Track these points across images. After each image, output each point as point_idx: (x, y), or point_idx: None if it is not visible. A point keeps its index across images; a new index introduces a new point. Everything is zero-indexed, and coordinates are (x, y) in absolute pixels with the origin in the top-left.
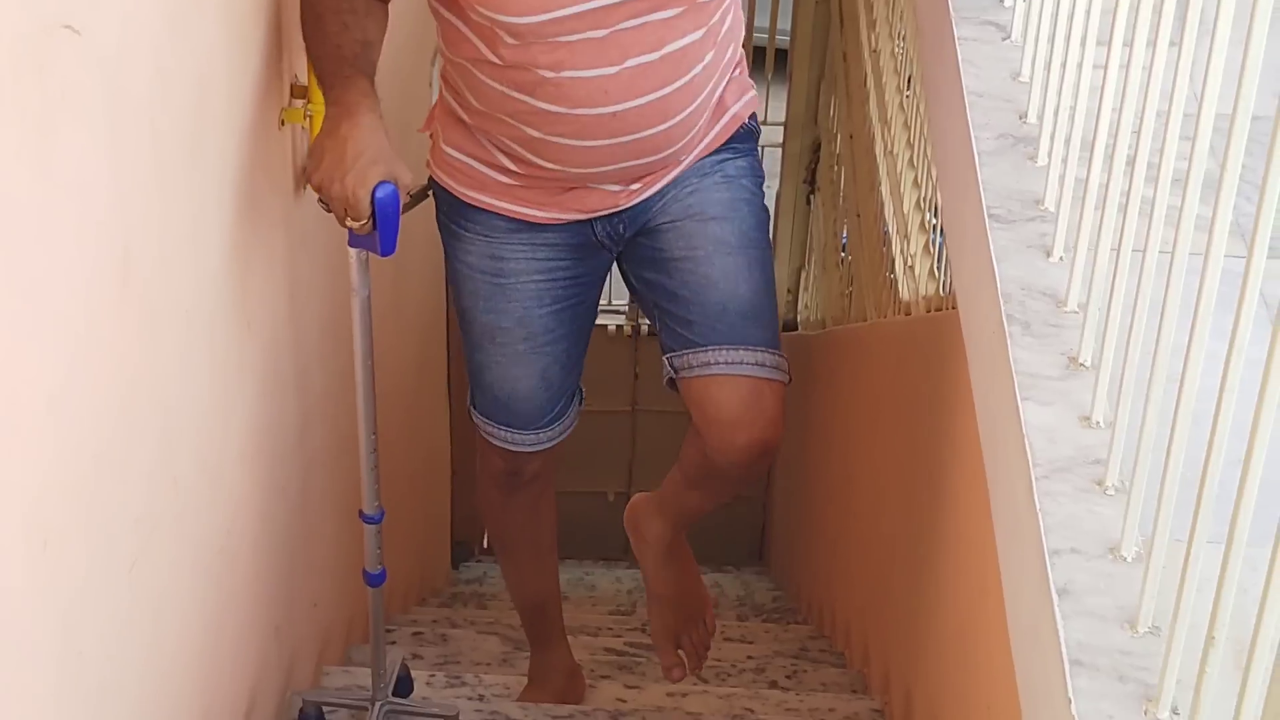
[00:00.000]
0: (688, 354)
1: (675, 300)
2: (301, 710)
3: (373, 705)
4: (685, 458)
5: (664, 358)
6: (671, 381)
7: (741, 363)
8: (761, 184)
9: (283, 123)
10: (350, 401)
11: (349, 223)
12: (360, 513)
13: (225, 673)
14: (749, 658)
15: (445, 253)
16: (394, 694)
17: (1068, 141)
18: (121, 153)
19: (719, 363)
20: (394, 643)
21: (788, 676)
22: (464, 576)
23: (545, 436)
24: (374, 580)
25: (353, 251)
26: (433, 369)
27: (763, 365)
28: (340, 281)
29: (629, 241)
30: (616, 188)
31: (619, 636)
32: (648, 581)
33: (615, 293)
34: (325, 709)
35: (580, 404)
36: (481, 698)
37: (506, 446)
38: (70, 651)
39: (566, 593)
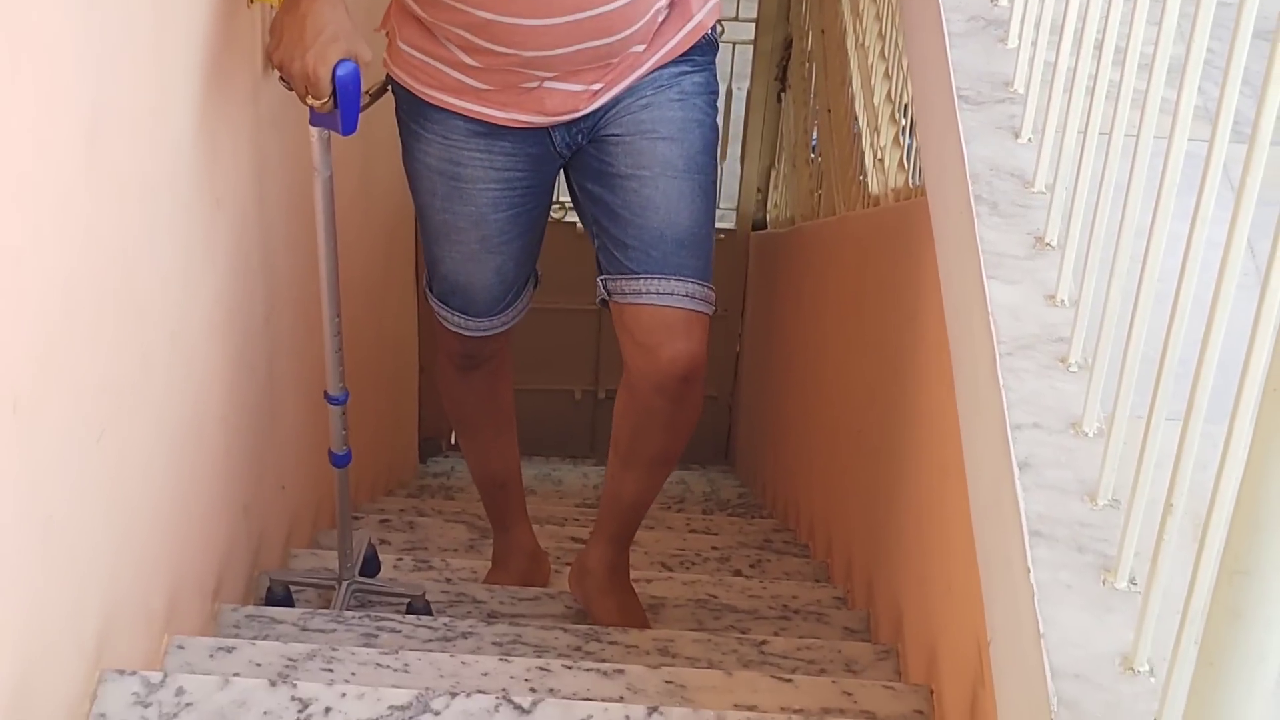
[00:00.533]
0: (621, 280)
1: (615, 220)
2: (269, 589)
3: (339, 584)
4: (615, 418)
5: (598, 279)
6: (605, 301)
7: (672, 293)
8: (714, 101)
9: (251, 1)
10: (317, 289)
11: (310, 101)
12: (325, 394)
13: (195, 547)
14: (713, 548)
15: (403, 149)
16: (361, 574)
17: (1038, 25)
18: (90, 18)
19: (650, 292)
20: (360, 528)
21: (751, 566)
22: (431, 470)
23: (499, 322)
24: (339, 461)
25: (314, 131)
26: (400, 265)
27: (692, 297)
28: (308, 165)
29: (578, 150)
30: (578, 87)
31: (585, 527)
32: (595, 619)
33: None
34: (293, 589)
35: (535, 287)
36: (448, 580)
37: (461, 332)
38: (38, 515)
39: (533, 487)
